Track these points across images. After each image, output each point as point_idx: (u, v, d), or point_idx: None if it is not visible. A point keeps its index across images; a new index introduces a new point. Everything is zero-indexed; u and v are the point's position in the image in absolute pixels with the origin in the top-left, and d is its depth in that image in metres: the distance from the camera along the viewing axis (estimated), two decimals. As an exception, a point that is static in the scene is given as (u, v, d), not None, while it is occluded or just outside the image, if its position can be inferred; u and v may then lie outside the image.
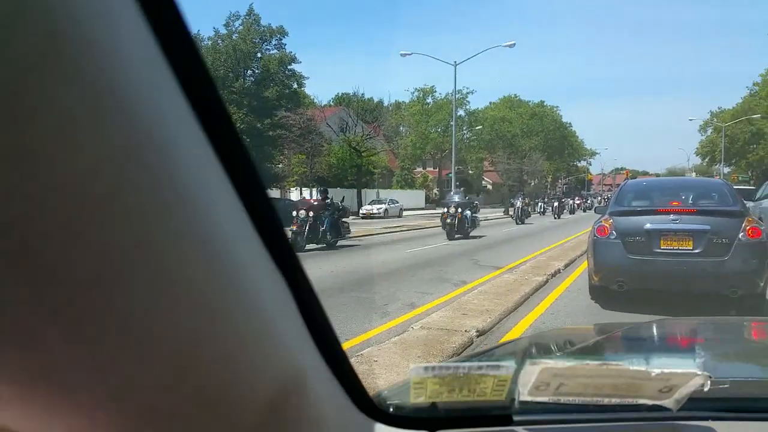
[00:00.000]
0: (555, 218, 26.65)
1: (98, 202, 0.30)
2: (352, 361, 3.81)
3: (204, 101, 0.38)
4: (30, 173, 0.27)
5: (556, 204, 28.84)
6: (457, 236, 13.80)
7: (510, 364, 0.64)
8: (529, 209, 23.60)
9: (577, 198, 41.99)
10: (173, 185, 0.34)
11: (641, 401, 0.66)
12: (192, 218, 0.36)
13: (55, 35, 0.27)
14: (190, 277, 0.37)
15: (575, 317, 5.16)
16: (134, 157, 0.31)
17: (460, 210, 14.00)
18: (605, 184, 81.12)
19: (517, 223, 21.12)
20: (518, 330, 4.72)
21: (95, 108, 0.29)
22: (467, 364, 0.63)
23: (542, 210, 30.81)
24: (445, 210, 14.41)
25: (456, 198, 14.71)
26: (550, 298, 6.10)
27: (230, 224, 0.41)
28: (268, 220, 0.46)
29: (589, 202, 41.77)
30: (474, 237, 14.34)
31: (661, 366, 0.65)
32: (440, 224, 14.42)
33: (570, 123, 65.28)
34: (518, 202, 22.20)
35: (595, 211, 7.09)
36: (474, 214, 14.87)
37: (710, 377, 0.64)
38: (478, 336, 4.38)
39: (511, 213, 22.50)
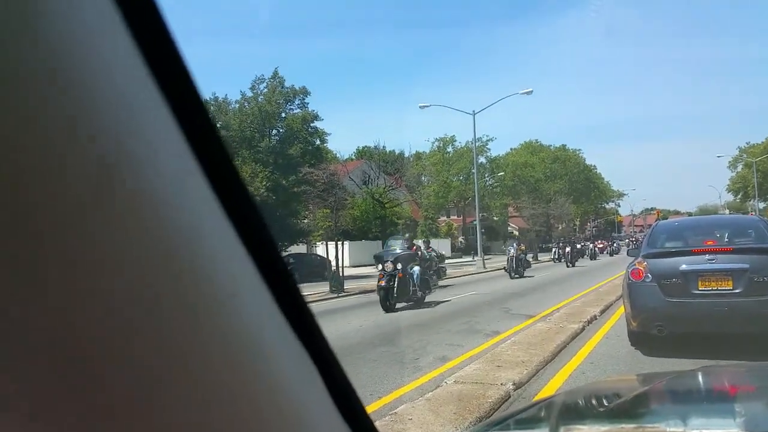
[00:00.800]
0: (568, 266, 22.15)
1: (101, 275, 0.29)
2: (386, 420, 3.70)
3: (208, 151, 0.35)
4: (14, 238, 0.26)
5: (568, 249, 23.37)
6: (398, 305, 9.47)
7: None
8: (529, 257, 19.11)
9: (599, 241, 38.18)
10: (183, 263, 0.32)
11: None
12: (207, 289, 0.34)
13: (65, 90, 0.26)
14: (205, 358, 0.34)
15: (616, 366, 4.94)
16: (143, 229, 0.30)
17: (400, 267, 9.40)
18: (636, 225, 79.28)
19: (511, 277, 16.62)
20: (557, 381, 4.53)
21: (104, 174, 0.28)
22: None
23: (557, 257, 26.18)
24: (380, 267, 9.64)
25: (397, 249, 9.94)
26: (588, 346, 5.88)
27: (245, 292, 0.38)
28: (282, 280, 0.41)
29: (615, 245, 37.21)
30: (428, 305, 9.93)
31: (701, 426, 0.62)
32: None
33: (594, 165, 64.92)
34: (512, 250, 17.36)
35: (627, 254, 6.91)
36: (428, 271, 10.32)
37: None
38: (515, 389, 4.22)
39: (504, 265, 18.03)
